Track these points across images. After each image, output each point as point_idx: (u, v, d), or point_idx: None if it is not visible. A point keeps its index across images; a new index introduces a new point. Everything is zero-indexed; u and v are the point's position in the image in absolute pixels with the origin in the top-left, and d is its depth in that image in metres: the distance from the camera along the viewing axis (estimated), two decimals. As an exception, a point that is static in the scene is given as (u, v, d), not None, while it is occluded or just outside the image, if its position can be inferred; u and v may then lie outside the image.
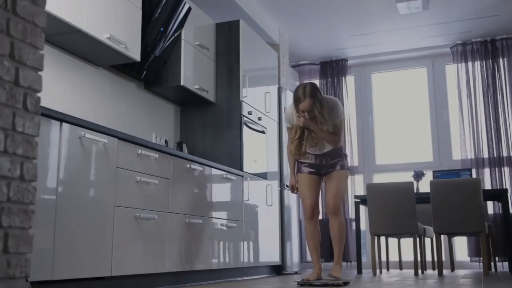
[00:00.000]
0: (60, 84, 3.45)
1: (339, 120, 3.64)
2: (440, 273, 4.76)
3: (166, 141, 4.49)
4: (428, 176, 5.64)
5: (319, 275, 3.66)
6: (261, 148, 5.06)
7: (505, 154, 6.16)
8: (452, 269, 5.67)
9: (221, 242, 4.08)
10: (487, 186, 6.10)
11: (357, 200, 5.47)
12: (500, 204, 5.78)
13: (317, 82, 6.78)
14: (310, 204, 3.71)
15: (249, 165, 4.72)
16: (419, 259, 5.25)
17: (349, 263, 6.48)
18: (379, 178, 6.70)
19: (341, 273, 3.69)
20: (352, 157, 6.71)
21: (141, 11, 3.73)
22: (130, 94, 4.17)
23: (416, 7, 5.53)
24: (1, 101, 1.48)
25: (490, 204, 5.99)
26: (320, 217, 4.35)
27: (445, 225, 4.78)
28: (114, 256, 2.88)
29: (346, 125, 3.92)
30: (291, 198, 5.61)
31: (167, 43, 4.15)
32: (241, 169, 4.57)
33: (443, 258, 5.28)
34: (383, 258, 5.78)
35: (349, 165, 3.82)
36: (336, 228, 3.68)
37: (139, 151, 3.17)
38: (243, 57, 4.86)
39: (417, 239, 5.13)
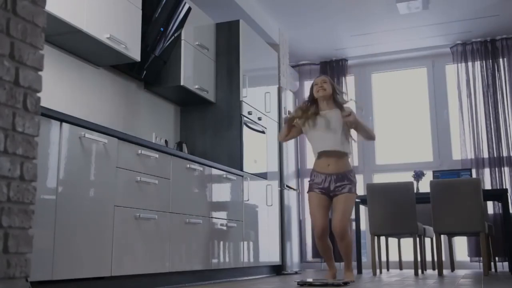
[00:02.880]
0: (60, 84, 3.45)
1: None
2: (440, 273, 4.76)
3: (166, 141, 4.49)
4: (428, 176, 5.63)
5: (334, 275, 3.88)
6: (261, 148, 5.06)
7: (505, 154, 6.15)
8: (452, 269, 5.66)
9: (221, 242, 4.08)
10: (487, 186, 6.09)
11: (357, 200, 5.47)
12: (500, 204, 5.77)
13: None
14: (321, 225, 3.76)
15: (249, 165, 4.72)
16: (419, 259, 5.24)
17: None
18: (379, 178, 6.69)
19: (353, 277, 3.85)
20: (352, 157, 6.69)
21: (141, 11, 3.73)
22: (130, 94, 4.18)
23: (416, 7, 5.53)
24: (1, 101, 1.48)
25: (490, 204, 5.98)
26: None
27: (445, 225, 4.78)
28: (114, 256, 2.88)
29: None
30: (291, 198, 5.61)
31: (167, 43, 4.15)
32: (241, 169, 4.57)
33: (443, 258, 5.28)
34: (383, 258, 5.78)
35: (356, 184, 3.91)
36: (343, 249, 3.80)
37: (139, 151, 3.17)
38: (243, 57, 4.86)
39: (417, 239, 5.13)
